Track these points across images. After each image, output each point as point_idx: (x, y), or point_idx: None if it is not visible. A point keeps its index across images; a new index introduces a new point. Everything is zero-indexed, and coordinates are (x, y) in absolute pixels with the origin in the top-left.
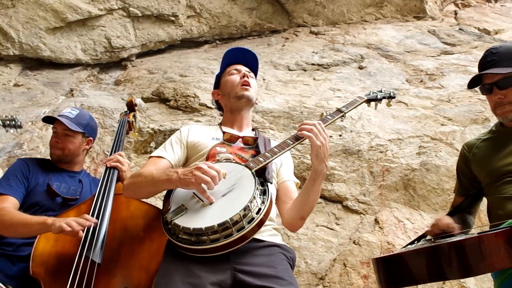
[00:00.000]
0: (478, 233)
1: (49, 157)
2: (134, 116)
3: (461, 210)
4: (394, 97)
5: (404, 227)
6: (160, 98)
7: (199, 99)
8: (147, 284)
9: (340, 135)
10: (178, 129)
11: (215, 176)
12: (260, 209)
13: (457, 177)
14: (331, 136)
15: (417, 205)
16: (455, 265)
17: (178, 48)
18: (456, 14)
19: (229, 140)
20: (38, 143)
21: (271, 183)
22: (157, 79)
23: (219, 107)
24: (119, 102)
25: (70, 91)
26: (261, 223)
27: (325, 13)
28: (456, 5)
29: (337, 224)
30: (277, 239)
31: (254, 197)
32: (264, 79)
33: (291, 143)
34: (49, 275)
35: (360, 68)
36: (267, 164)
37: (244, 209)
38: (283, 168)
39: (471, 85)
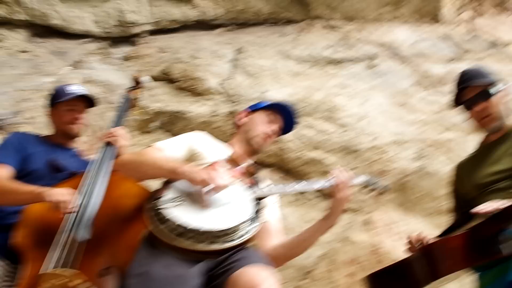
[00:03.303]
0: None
1: (42, 131)
2: (139, 93)
3: (457, 228)
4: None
5: (394, 230)
6: (168, 78)
7: (208, 83)
8: None
9: (342, 132)
10: (182, 111)
11: (225, 186)
12: (247, 231)
13: (452, 197)
14: (333, 132)
15: (410, 209)
16: (426, 270)
17: (191, 29)
18: (471, 21)
19: (234, 162)
20: (38, 112)
21: (263, 214)
22: (167, 58)
23: (237, 125)
24: (126, 78)
25: (77, 62)
26: (243, 244)
27: (343, 7)
28: (473, 12)
29: None
30: None
31: (247, 220)
32: (274, 68)
33: (306, 187)
34: (35, 246)
35: (371, 66)
36: (268, 196)
37: (235, 227)
38: (272, 212)
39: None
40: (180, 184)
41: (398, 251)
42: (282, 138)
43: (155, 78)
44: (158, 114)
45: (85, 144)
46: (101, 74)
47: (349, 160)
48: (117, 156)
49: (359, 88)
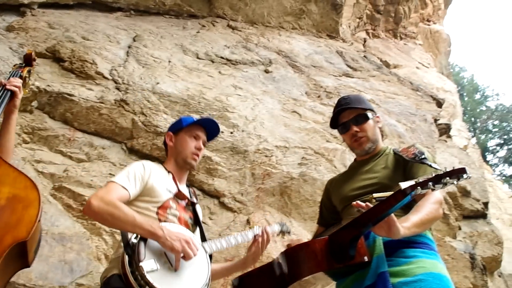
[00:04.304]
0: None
1: None
2: (29, 71)
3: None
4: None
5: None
6: (54, 57)
7: (97, 67)
8: None
9: (231, 132)
10: (66, 93)
11: (195, 255)
12: None
13: (319, 209)
14: (222, 132)
15: (289, 212)
16: (289, 271)
17: (88, 8)
18: (365, 41)
19: (179, 196)
20: None
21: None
22: (56, 36)
23: (166, 147)
24: (5, 51)
25: None
26: None
27: (246, 10)
28: (367, 33)
29: (210, 219)
30: None
31: (207, 282)
32: (169, 61)
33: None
34: None
35: (266, 71)
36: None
37: None
38: None
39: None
40: (155, 244)
41: (276, 252)
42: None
43: (40, 55)
44: (37, 93)
45: None
46: None
47: (236, 160)
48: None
49: (252, 91)
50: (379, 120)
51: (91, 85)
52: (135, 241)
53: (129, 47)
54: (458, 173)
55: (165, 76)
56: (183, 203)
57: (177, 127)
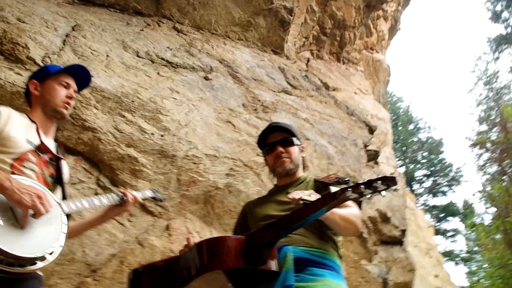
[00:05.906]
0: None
1: None
2: None
3: None
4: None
5: (192, 239)
6: None
7: (29, 52)
8: None
9: (161, 135)
10: None
11: (48, 212)
12: (53, 252)
13: (234, 230)
14: (153, 134)
15: (210, 222)
16: (194, 264)
17: None
18: (308, 61)
19: (41, 149)
20: None
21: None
22: None
23: (28, 97)
24: None
25: None
26: (49, 262)
27: (194, 15)
28: (312, 54)
29: (129, 221)
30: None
31: (58, 244)
32: (108, 56)
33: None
34: None
35: (206, 78)
36: (76, 212)
37: (47, 252)
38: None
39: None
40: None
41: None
42: (98, 128)
43: None
44: None
45: None
46: None
47: (163, 164)
48: None
49: (189, 96)
50: (304, 150)
51: (20, 69)
52: None
53: (67, 35)
54: (389, 181)
55: (101, 71)
56: (46, 157)
57: (43, 75)
